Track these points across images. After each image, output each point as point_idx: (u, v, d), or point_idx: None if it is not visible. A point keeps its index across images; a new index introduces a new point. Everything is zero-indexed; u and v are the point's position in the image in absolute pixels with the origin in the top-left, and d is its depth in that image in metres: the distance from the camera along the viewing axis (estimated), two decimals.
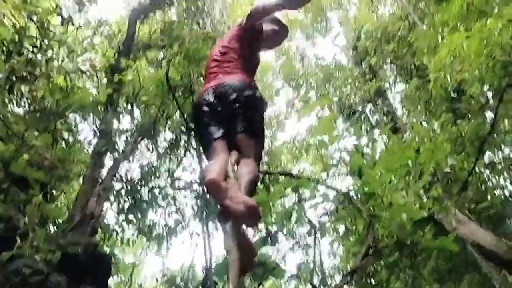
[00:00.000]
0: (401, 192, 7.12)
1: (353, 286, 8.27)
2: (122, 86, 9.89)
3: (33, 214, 4.01)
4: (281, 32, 3.69)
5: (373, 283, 7.32)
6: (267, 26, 3.56)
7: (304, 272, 5.42)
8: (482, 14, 8.11)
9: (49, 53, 7.63)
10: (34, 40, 6.08)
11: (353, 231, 5.96)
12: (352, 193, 5.09)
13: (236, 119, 3.00)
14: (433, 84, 9.34)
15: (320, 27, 19.05)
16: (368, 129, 14.26)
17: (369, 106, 15.10)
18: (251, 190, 2.70)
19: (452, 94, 11.15)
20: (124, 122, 13.93)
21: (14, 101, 7.53)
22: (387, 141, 11.77)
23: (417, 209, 5.89)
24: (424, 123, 12.44)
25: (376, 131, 14.30)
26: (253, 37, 3.35)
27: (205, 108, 3.14)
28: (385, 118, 13.89)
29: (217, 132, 3.04)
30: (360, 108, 14.86)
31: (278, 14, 3.68)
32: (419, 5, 13.97)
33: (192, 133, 10.48)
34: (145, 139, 11.07)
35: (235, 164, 2.83)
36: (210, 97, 3.14)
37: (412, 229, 7.00)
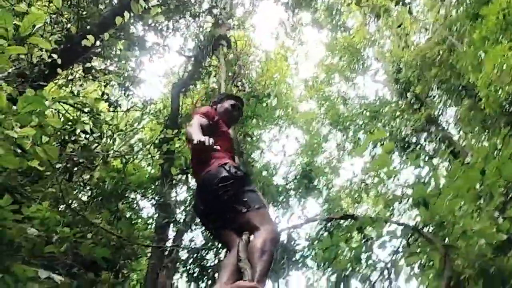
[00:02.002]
0: (474, 217, 6.73)
1: None
2: (174, 159, 10.19)
3: None
4: (238, 105, 3.86)
5: None
6: (223, 105, 3.78)
7: None
8: None
9: (104, 139, 8.07)
10: (86, 126, 6.46)
11: (429, 265, 5.64)
12: (420, 226, 4.85)
13: (229, 203, 3.02)
14: (485, 101, 9.02)
15: (357, 67, 19.14)
16: (426, 159, 13.79)
17: (423, 135, 14.72)
18: (265, 262, 2.64)
19: (509, 108, 10.71)
20: (182, 193, 14.20)
21: (78, 189, 7.93)
22: (449, 168, 11.32)
23: (494, 233, 5.50)
24: (485, 143, 11.93)
25: (435, 161, 13.82)
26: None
27: (200, 209, 3.29)
28: (442, 145, 13.43)
29: (221, 225, 3.11)
30: (414, 139, 14.48)
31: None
32: (455, 26, 13.82)
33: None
34: None
35: (247, 244, 2.83)
36: (199, 200, 3.29)
37: (494, 255, 6.53)
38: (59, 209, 5.82)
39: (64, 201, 5.34)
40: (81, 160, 6.22)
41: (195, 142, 2.95)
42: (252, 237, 2.85)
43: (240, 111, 3.93)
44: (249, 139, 13.34)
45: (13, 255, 3.51)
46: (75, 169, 7.14)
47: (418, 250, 5.06)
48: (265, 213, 3.03)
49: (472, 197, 7.02)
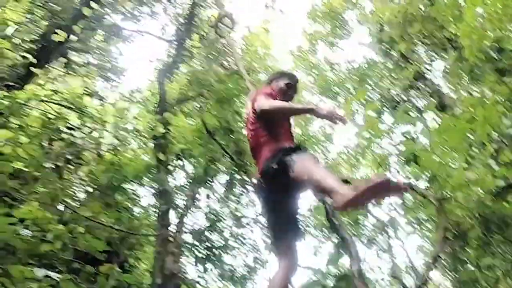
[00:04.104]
0: (468, 167, 6.76)
1: (446, 271, 7.87)
2: (166, 145, 10.16)
3: (105, 285, 4.13)
4: (292, 84, 3.70)
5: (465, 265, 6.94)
6: (278, 84, 3.64)
7: (394, 275, 5.20)
8: None
9: (93, 133, 8.00)
10: (72, 122, 6.41)
11: (428, 219, 5.71)
12: (413, 182, 4.87)
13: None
14: (469, 51, 8.95)
15: (341, 32, 18.92)
16: (419, 115, 13.76)
17: (413, 92, 14.65)
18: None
19: (493, 55, 10.65)
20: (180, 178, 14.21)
21: (76, 186, 7.92)
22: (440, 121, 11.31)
23: (490, 180, 5.54)
24: (475, 93, 11.90)
25: (426, 116, 13.81)
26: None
27: (265, 198, 3.26)
28: (432, 99, 13.40)
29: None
30: (404, 97, 14.44)
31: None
32: None
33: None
34: (203, 188, 11.25)
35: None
36: (261, 188, 3.22)
37: (494, 201, 6.59)
38: (58, 208, 5.82)
39: (60, 200, 5.32)
40: (69, 157, 6.19)
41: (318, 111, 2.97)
42: None
43: (295, 89, 3.77)
44: (238, 117, 13.29)
45: (10, 257, 3.52)
46: (71, 166, 7.12)
47: (414, 206, 5.11)
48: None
49: (464, 147, 7.03)
